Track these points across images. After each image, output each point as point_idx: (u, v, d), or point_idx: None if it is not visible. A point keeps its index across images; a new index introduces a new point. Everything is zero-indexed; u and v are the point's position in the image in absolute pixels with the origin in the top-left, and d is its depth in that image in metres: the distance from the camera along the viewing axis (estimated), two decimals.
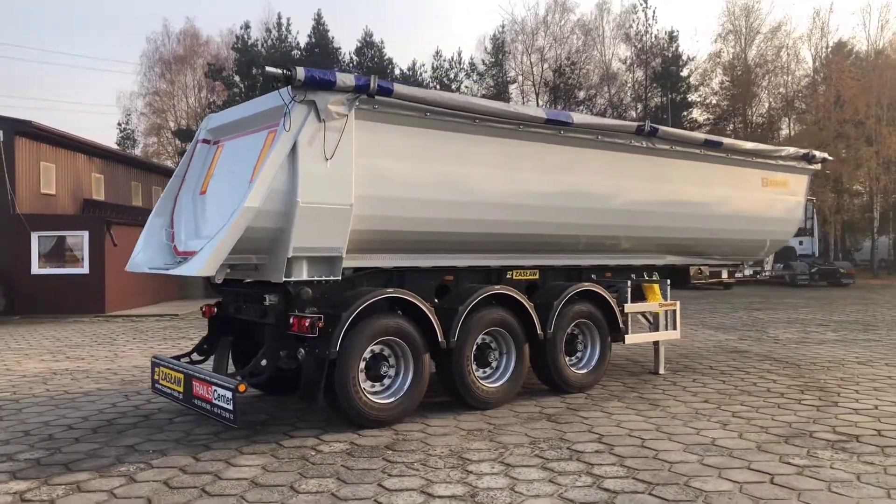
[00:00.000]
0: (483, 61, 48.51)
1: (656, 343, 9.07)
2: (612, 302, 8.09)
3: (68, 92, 71.16)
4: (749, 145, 9.66)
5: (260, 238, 5.89)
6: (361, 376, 6.35)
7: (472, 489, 4.71)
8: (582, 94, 48.26)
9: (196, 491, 4.75)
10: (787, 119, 44.87)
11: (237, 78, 43.22)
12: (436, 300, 7.20)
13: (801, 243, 32.31)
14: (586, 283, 7.95)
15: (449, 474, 5.02)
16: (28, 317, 18.88)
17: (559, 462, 5.29)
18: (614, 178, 8.18)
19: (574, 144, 7.74)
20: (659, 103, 45.55)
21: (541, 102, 49.49)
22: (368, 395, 6.32)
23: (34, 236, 19.43)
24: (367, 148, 6.26)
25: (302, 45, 44.26)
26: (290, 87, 5.83)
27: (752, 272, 10.77)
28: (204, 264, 5.69)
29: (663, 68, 45.22)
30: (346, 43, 47.38)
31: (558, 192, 7.68)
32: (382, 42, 44.89)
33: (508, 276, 7.83)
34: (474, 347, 7.05)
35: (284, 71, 5.73)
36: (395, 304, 6.57)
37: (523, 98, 49.92)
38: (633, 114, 48.61)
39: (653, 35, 47.64)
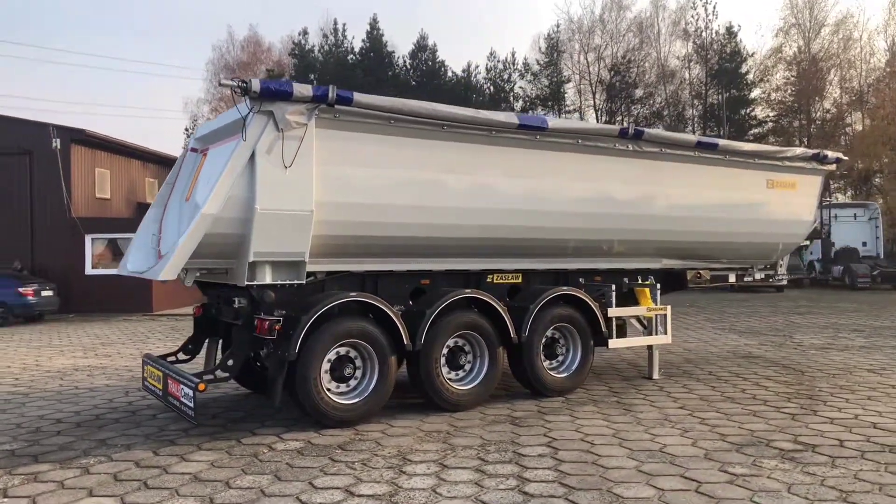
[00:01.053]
0: (537, 61, 48.31)
1: (650, 348, 8.97)
2: (594, 306, 8.07)
3: (141, 98, 74.01)
4: (749, 146, 9.45)
5: (221, 244, 6.14)
6: (326, 377, 6.55)
7: (395, 489, 4.84)
8: (639, 93, 47.45)
9: (137, 484, 5.02)
10: (856, 114, 43.14)
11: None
12: (410, 303, 7.35)
13: (864, 244, 31.11)
14: (565, 287, 7.96)
15: (382, 474, 5.16)
16: (82, 315, 19.89)
17: (496, 465, 5.35)
18: (599, 182, 8.16)
19: (553, 149, 7.75)
20: (719, 100, 44.36)
21: (598, 101, 49.05)
22: (332, 396, 6.51)
23: (88, 238, 20.44)
24: (330, 155, 6.45)
25: (356, 49, 44.93)
26: (247, 98, 6.06)
27: (763, 276, 10.51)
28: (164, 269, 5.98)
29: (720, 65, 44.07)
30: (403, 46, 47.70)
31: (536, 197, 7.70)
32: (435, 45, 45.23)
33: (489, 280, 7.90)
34: (445, 350, 7.16)
35: (240, 83, 5.97)
36: (364, 307, 6.73)
37: (580, 97, 49.54)
38: (692, 112, 47.62)
39: (712, 31, 46.55)
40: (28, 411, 7.51)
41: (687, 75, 47.31)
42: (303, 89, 6.19)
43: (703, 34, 46.80)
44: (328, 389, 6.54)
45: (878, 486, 4.79)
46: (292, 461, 5.52)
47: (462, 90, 43.93)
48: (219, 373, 6.50)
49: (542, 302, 7.65)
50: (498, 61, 47.90)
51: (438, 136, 7.05)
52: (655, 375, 8.93)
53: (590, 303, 8.04)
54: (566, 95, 49.88)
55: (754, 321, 16.26)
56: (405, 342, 6.77)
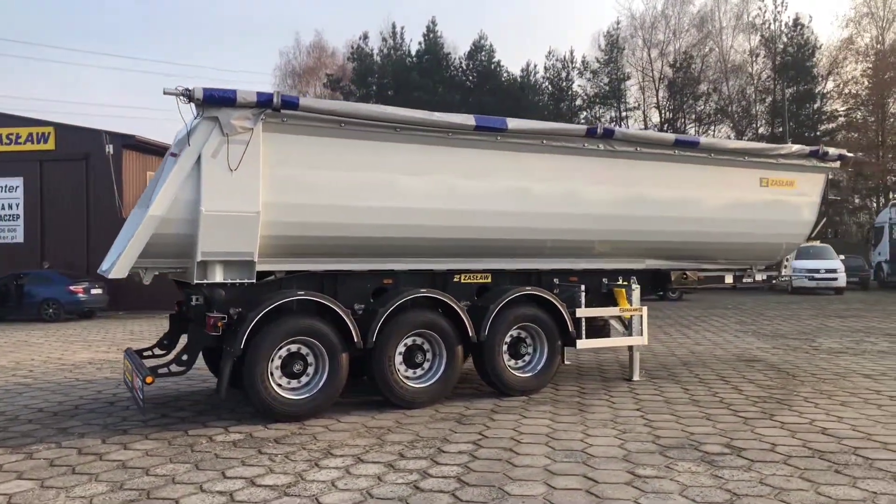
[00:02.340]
0: (597, 59, 47.76)
1: (630, 349, 8.88)
2: (560, 306, 8.04)
3: None
4: (735, 144, 9.24)
5: (170, 244, 6.45)
6: (277, 373, 6.78)
7: (297, 480, 5.02)
8: (702, 89, 46.27)
9: (66, 469, 5.36)
10: None
11: (353, 87, 44.99)
12: (371, 301, 7.51)
13: None
14: (528, 288, 7.97)
15: (295, 467, 5.34)
16: (131, 312, 20.88)
17: (411, 460, 5.46)
18: (568, 183, 8.12)
19: (516, 149, 7.78)
20: (787, 95, 42.82)
21: (659, 99, 48.11)
22: (280, 391, 6.74)
23: None
24: (278, 158, 6.68)
25: (413, 52, 45.40)
26: (192, 104, 6.35)
27: (765, 277, 10.21)
28: (115, 268, 6.33)
29: (783, 59, 42.56)
30: (463, 46, 47.87)
31: (499, 198, 7.74)
32: (492, 46, 45.31)
33: (456, 280, 7.98)
34: (402, 348, 7.30)
35: (184, 91, 6.26)
36: (313, 305, 6.93)
37: (643, 94, 48.71)
38: (758, 108, 46.14)
39: (781, 23, 45.02)
40: (20, 401, 8.04)
41: (753, 69, 45.93)
42: (246, 95, 6.44)
43: (772, 26, 45.34)
44: (279, 385, 6.78)
45: (778, 490, 4.67)
46: (221, 452, 5.76)
47: (517, 90, 43.79)
48: (174, 367, 6.81)
49: (503, 302, 7.69)
50: (556, 60, 47.63)
51: (393, 138, 7.18)
52: (635, 377, 8.82)
53: (556, 303, 8.02)
54: (628, 93, 49.18)
55: (786, 324, 15.73)
56: (355, 340, 6.93)
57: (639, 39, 48.80)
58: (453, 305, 7.45)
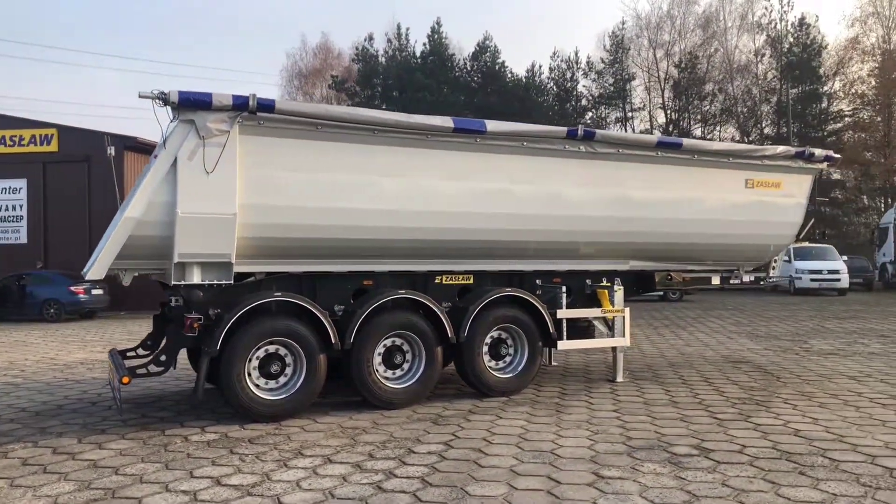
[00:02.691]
0: (602, 60, 47.68)
1: (614, 350, 8.89)
2: (541, 307, 8.06)
3: None
4: (719, 145, 9.23)
5: (147, 245, 6.52)
6: (255, 374, 6.84)
7: (262, 480, 5.07)
8: (707, 89, 46.13)
9: (38, 468, 5.43)
10: None
11: (358, 88, 45.08)
12: (352, 302, 7.56)
13: None
14: (508, 289, 8.00)
15: (263, 467, 5.39)
16: (132, 312, 21.01)
17: (379, 461, 5.50)
18: (549, 184, 8.14)
19: (496, 151, 7.80)
20: (792, 95, 42.63)
21: (665, 99, 48.01)
22: (257, 392, 6.79)
23: None
24: (255, 160, 6.74)
25: (418, 53, 45.46)
26: (168, 108, 6.41)
27: (752, 278, 10.19)
28: (91, 269, 6.41)
29: (787, 58, 42.38)
30: (469, 47, 47.79)
31: (479, 199, 7.77)
32: (496, 47, 45.34)
33: (437, 281, 8.02)
34: (381, 349, 7.34)
35: (159, 94, 6.32)
36: (290, 307, 6.97)
37: (649, 94, 48.61)
38: (765, 108, 45.96)
39: (787, 22, 44.85)
40: (5, 400, 8.13)
41: (759, 70, 45.76)
42: (222, 98, 6.49)
43: (778, 26, 45.16)
44: (256, 385, 6.84)
45: (738, 492, 4.69)
46: (193, 452, 5.82)
47: (522, 91, 43.79)
48: (152, 367, 6.88)
49: (483, 303, 7.72)
50: (561, 61, 47.58)
51: (370, 140, 7.22)
52: (619, 378, 8.84)
53: (536, 304, 8.04)
54: (633, 93, 49.12)
55: (782, 325, 15.68)
56: (333, 341, 6.98)
57: (644, 40, 48.80)
58: (432, 306, 7.49)
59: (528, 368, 8.06)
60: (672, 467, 5.25)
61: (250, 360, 6.79)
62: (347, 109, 7.20)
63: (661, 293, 24.12)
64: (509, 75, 45.03)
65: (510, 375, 8.01)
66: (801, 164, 9.59)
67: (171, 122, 6.48)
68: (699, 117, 47.07)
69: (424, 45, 45.31)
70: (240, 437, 6.27)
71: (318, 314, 6.96)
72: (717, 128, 47.68)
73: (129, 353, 7.96)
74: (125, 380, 6.41)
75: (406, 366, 7.53)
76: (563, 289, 8.33)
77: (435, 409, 7.34)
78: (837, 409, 7.09)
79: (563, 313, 8.23)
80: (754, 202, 9.35)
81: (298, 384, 6.94)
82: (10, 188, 23.08)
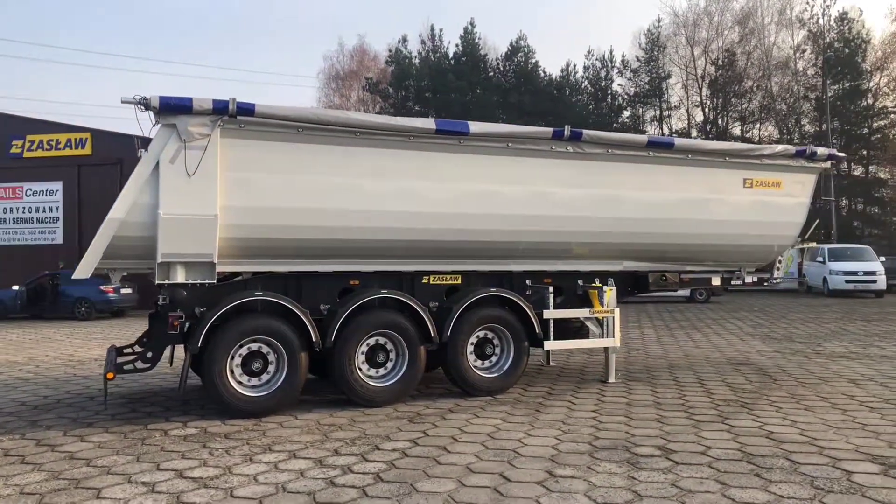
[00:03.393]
0: (637, 58, 47.20)
1: (606, 351, 8.87)
2: (527, 307, 8.09)
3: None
4: (715, 145, 9.13)
5: (132, 245, 6.74)
6: (238, 371, 7.02)
7: (223, 473, 5.22)
8: (746, 86, 45.31)
9: (16, 459, 5.67)
10: None
11: (391, 90, 45.36)
12: (338, 300, 7.69)
13: None
14: (493, 289, 8.04)
15: (228, 461, 5.54)
16: None
17: (343, 457, 5.61)
18: (536, 185, 8.16)
19: (481, 153, 7.86)
20: (831, 92, 41.62)
21: (702, 97, 47.29)
22: (239, 388, 6.97)
23: None
24: (236, 162, 6.91)
25: (451, 54, 45.58)
26: (150, 112, 6.62)
27: (755, 279, 10.06)
28: (78, 268, 6.65)
29: (830, 54, 41.35)
30: (503, 47, 47.71)
31: (465, 200, 7.82)
32: (530, 47, 45.19)
33: (425, 281, 8.10)
34: (364, 348, 7.46)
35: (141, 100, 6.53)
36: (271, 306, 7.13)
37: (687, 93, 47.96)
38: (806, 105, 44.95)
39: (830, 17, 43.80)
40: (12, 395, 8.46)
41: (798, 66, 44.77)
42: (202, 102, 6.68)
43: (820, 20, 44.14)
44: (239, 382, 7.01)
45: (684, 492, 4.68)
46: (168, 445, 6.01)
47: (554, 90, 43.60)
48: (139, 364, 7.10)
49: (467, 303, 7.78)
50: (595, 59, 47.22)
51: (353, 142, 7.34)
52: (611, 379, 8.82)
53: (521, 304, 8.07)
54: (671, 91, 48.51)
55: (803, 328, 15.38)
56: (314, 340, 7.12)
57: (682, 37, 48.12)
58: (414, 306, 7.57)
59: (514, 368, 8.10)
60: (628, 467, 5.25)
61: (233, 358, 6.97)
62: (328, 112, 7.33)
63: (688, 294, 23.84)
64: (542, 75, 44.86)
65: (495, 375, 8.05)
66: (802, 163, 9.43)
67: (154, 126, 6.68)
68: (736, 115, 46.27)
69: (457, 46, 45.43)
70: (217, 433, 6.44)
71: (299, 313, 7.11)
72: (757, 125, 46.87)
73: (125, 350, 8.21)
74: (110, 375, 6.65)
75: (390, 364, 7.63)
76: (550, 289, 8.34)
77: (416, 407, 7.43)
78: (822, 412, 6.98)
79: (550, 313, 8.25)
80: (753, 202, 9.22)
81: (280, 382, 7.09)
82: (46, 190, 23.86)
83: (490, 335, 8.10)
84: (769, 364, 10.17)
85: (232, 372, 6.98)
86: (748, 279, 10.02)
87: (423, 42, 47.67)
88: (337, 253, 7.57)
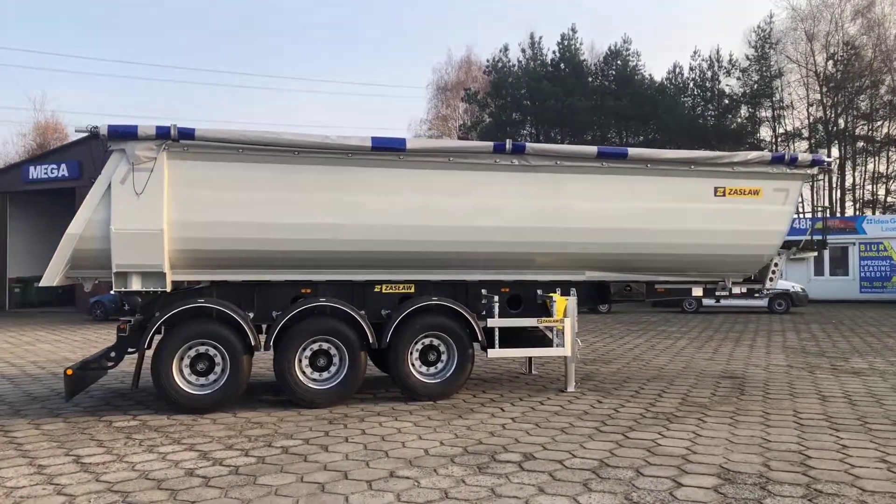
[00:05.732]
0: (747, 56, 45.14)
1: (565, 361, 8.93)
2: (470, 316, 8.32)
3: (376, 119, 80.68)
4: (676, 153, 8.92)
5: (91, 257, 7.58)
6: (187, 371, 7.73)
7: (112, 460, 5.87)
8: (867, 82, 42.29)
9: None
10: None
11: (489, 100, 45.76)
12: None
13: None
14: (435, 298, 8.32)
15: (130, 450, 6.19)
16: None
17: (226, 451, 6.13)
18: (481, 197, 8.36)
19: (422, 167, 8.19)
20: None
21: (823, 94, 44.58)
22: (184, 387, 7.67)
23: None
24: (183, 181, 7.62)
25: (548, 61, 45.46)
26: (101, 140, 7.46)
27: (744, 290, 9.75)
28: (44, 277, 7.57)
29: None
30: (605, 52, 47.03)
31: (408, 213, 8.16)
32: (629, 50, 44.31)
33: (377, 290, 8.52)
34: (305, 351, 7.99)
35: (91, 129, 7.37)
36: (212, 312, 7.79)
37: (807, 90, 45.39)
38: None
39: None
40: (27, 388, 9.57)
41: None
42: (146, 129, 7.44)
43: None
44: (188, 381, 7.72)
45: (493, 495, 4.85)
46: (97, 435, 6.77)
47: (655, 94, 42.53)
48: (103, 362, 7.96)
49: (406, 311, 8.13)
50: (701, 60, 45.59)
51: (293, 160, 7.88)
52: (570, 388, 8.87)
53: (465, 313, 8.32)
54: (786, 89, 46.04)
55: (856, 342, 14.47)
56: (252, 344, 7.73)
57: (800, 32, 45.59)
58: (352, 313, 8.01)
59: (457, 375, 8.35)
60: (469, 471, 5.46)
61: (182, 359, 7.69)
62: (264, 133, 7.89)
63: (766, 304, 22.81)
64: (643, 78, 43.85)
65: (437, 381, 8.34)
66: (784, 169, 9.08)
67: (106, 151, 7.52)
68: (857, 113, 43.26)
69: (554, 52, 45.25)
70: (153, 425, 7.15)
71: (239, 319, 7.73)
72: (887, 122, 43.58)
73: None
74: (69, 371, 7.52)
75: (333, 368, 8.10)
76: (496, 298, 8.53)
77: (350, 409, 7.86)
78: (743, 428, 6.82)
79: (495, 322, 8.44)
80: (727, 210, 8.98)
81: (223, 381, 7.74)
82: None
83: (436, 342, 8.40)
84: (760, 378, 9.81)
85: (181, 371, 7.70)
86: (736, 290, 9.73)
87: (523, 50, 47.84)
88: (286, 263, 8.13)
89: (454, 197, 8.31)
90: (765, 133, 45.94)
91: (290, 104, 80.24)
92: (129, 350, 7.95)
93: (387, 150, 8.04)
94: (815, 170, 9.26)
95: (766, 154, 9.05)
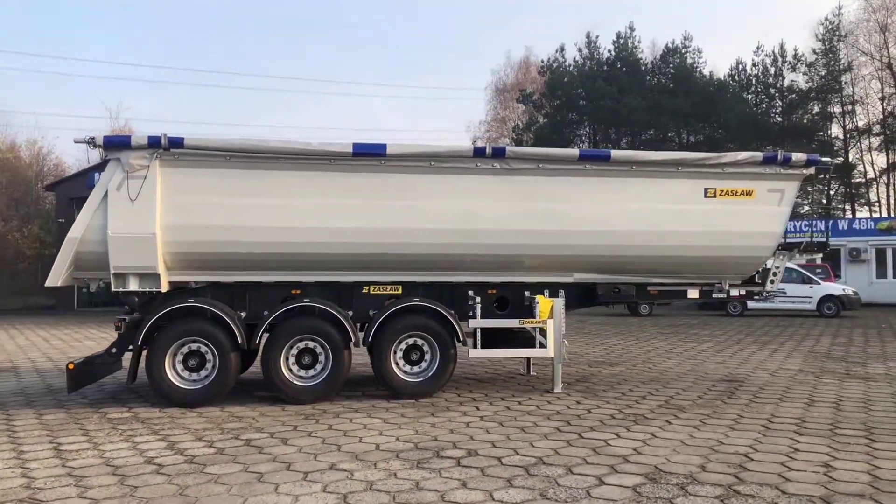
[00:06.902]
0: (813, 50, 43.67)
1: (552, 361, 9.03)
2: (452, 317, 8.52)
3: (435, 121, 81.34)
4: (662, 155, 8.91)
5: (91, 259, 8.13)
6: (179, 367, 8.20)
7: (88, 448, 6.32)
8: None
9: None
10: None
11: (544, 100, 45.65)
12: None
13: None
14: (416, 299, 8.55)
15: (107, 439, 6.62)
16: None
17: (195, 443, 6.49)
18: (465, 201, 8.52)
19: (404, 171, 8.44)
20: None
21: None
22: (176, 381, 8.13)
23: None
24: (175, 187, 8.09)
25: (604, 59, 45.05)
26: (98, 149, 7.99)
27: (743, 292, 9.63)
28: (49, 278, 8.15)
29: None
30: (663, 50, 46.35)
31: (391, 216, 8.42)
32: (687, 46, 43.48)
33: (365, 291, 8.82)
34: (291, 350, 8.33)
35: (88, 139, 7.91)
36: (204, 311, 8.23)
37: (882, 84, 43.56)
38: None
39: None
40: (50, 381, 10.25)
41: None
42: (139, 139, 7.94)
43: None
44: (180, 377, 8.18)
45: (414, 489, 5.06)
46: (87, 425, 7.26)
47: (713, 91, 41.61)
48: (105, 358, 8.50)
49: (389, 311, 8.40)
50: (764, 55, 44.36)
51: (277, 166, 8.25)
52: (556, 389, 8.96)
53: (445, 314, 8.52)
54: (858, 83, 44.30)
55: (880, 346, 13.98)
56: (239, 342, 8.13)
57: (872, 23, 43.79)
58: (335, 313, 8.32)
59: (439, 374, 8.55)
60: (406, 465, 5.67)
61: (175, 355, 8.15)
62: (250, 141, 8.26)
63: (815, 308, 22.12)
64: (701, 75, 42.96)
65: (420, 380, 8.56)
66: (777, 170, 8.95)
67: (104, 160, 8.04)
68: None
69: (610, 51, 44.82)
70: (141, 417, 7.62)
71: (227, 318, 8.14)
72: None
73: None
74: (70, 365, 8.08)
75: (319, 366, 8.42)
76: (479, 300, 8.70)
77: (333, 405, 8.16)
78: (707, 430, 6.82)
79: (476, 323, 8.61)
80: (717, 212, 8.91)
81: (212, 377, 8.17)
82: None
83: (420, 342, 8.62)
84: (759, 382, 9.67)
85: (174, 367, 8.16)
86: (734, 292, 9.61)
87: (579, 50, 47.55)
88: (276, 265, 8.50)
89: (437, 200, 8.51)
90: (836, 129, 44.40)
91: (365, 106, 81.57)
92: (130, 347, 8.48)
93: (367, 156, 8.31)
94: (811, 170, 9.07)
95: (758, 154, 8.93)
